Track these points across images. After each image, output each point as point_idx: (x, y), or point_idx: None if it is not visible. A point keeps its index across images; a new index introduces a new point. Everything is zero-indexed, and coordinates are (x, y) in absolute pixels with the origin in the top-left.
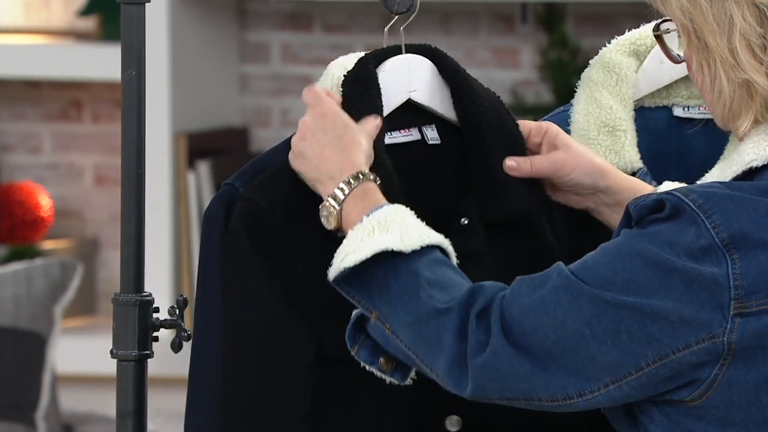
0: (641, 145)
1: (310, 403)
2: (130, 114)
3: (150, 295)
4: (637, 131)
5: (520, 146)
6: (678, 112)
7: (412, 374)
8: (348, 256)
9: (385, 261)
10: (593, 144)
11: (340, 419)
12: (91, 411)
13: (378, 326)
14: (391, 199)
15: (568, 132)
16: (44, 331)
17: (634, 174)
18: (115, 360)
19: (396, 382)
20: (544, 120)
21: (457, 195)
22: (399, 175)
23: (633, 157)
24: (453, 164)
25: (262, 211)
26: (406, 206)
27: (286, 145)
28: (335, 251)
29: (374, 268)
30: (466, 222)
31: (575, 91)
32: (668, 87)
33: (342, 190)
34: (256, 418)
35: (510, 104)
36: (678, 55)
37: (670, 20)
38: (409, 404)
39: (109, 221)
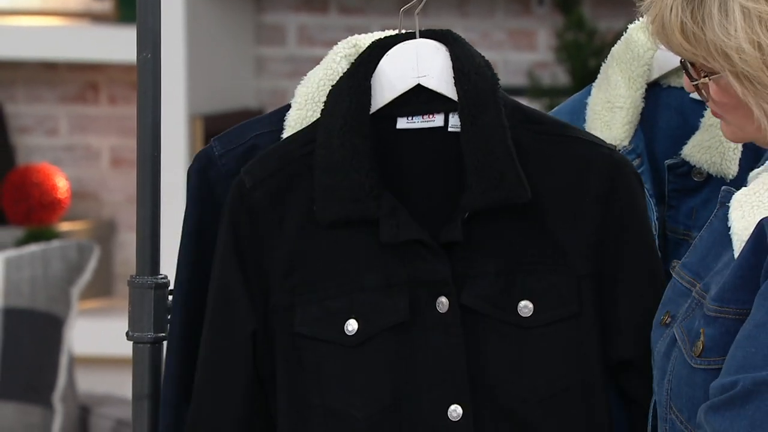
0: (663, 122)
1: (251, 378)
2: (145, 97)
3: (166, 277)
4: (659, 109)
5: (498, 135)
6: (696, 94)
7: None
8: None
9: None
10: (596, 118)
11: (312, 395)
12: (108, 392)
13: None
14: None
15: (585, 106)
16: (61, 313)
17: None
18: (131, 342)
19: None
20: (561, 106)
21: (462, 184)
22: (412, 160)
23: (620, 134)
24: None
25: (245, 189)
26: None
27: (272, 116)
28: (316, 234)
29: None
30: (456, 211)
31: (591, 73)
32: None
33: None
34: (197, 385)
35: (526, 86)
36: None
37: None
38: (385, 384)
39: (126, 203)
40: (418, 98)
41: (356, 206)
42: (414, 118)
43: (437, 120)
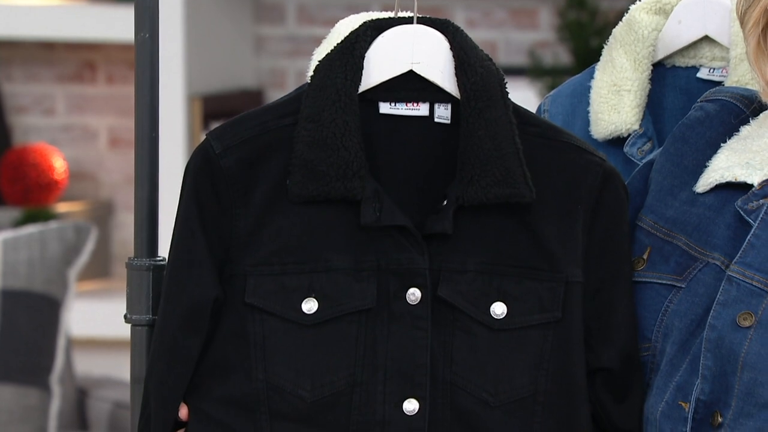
0: (669, 103)
1: (202, 349)
2: (143, 77)
3: (164, 259)
4: (665, 90)
5: (506, 131)
6: (703, 73)
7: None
8: None
9: None
10: (602, 102)
11: (253, 369)
12: (106, 375)
13: None
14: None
15: (588, 89)
16: (58, 295)
17: (628, 136)
18: (129, 324)
19: None
20: (560, 88)
21: (451, 176)
22: (392, 147)
23: (630, 118)
24: (457, 145)
25: (213, 155)
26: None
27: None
28: (284, 209)
29: None
30: (444, 203)
31: (594, 53)
32: (694, 47)
33: None
34: (154, 351)
35: (527, 66)
36: None
37: None
38: (340, 369)
39: (124, 184)
40: (405, 85)
41: (340, 185)
42: (397, 104)
43: (422, 109)
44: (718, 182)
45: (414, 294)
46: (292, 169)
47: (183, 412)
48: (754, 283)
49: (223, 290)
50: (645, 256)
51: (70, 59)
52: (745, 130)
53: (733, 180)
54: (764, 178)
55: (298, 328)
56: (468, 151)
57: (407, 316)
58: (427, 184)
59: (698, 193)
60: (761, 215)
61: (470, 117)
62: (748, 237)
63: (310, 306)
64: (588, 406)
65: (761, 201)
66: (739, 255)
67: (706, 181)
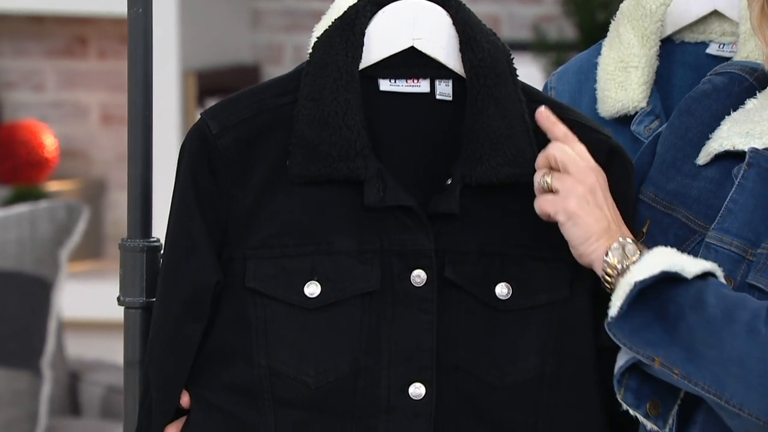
0: (678, 80)
1: (202, 334)
2: (136, 53)
3: (158, 240)
4: (673, 66)
5: (516, 109)
6: (713, 49)
7: (670, 421)
8: (619, 297)
9: (664, 301)
10: (609, 79)
11: (256, 355)
12: (99, 358)
13: (663, 372)
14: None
15: (595, 66)
16: (49, 276)
17: (635, 114)
18: (122, 307)
19: (657, 429)
20: (566, 66)
21: (454, 154)
22: (393, 125)
23: (637, 95)
24: (460, 123)
25: (210, 135)
26: (383, 161)
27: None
28: (283, 190)
29: (653, 311)
30: (449, 183)
31: (599, 27)
32: (704, 22)
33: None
34: (153, 336)
35: (532, 40)
36: None
37: None
38: (344, 354)
39: (116, 162)
40: (405, 61)
41: (343, 165)
42: (397, 81)
43: (423, 86)
44: (717, 152)
45: (419, 276)
46: (292, 149)
47: (185, 399)
48: (732, 249)
49: (223, 274)
50: (644, 230)
51: (60, 33)
52: (750, 102)
53: (731, 149)
54: (762, 147)
55: (301, 312)
56: (476, 129)
57: (412, 299)
58: (429, 163)
59: (700, 166)
60: (739, 179)
61: (479, 94)
62: (726, 202)
63: (312, 289)
64: (598, 387)
65: (742, 166)
66: (716, 221)
67: (706, 152)
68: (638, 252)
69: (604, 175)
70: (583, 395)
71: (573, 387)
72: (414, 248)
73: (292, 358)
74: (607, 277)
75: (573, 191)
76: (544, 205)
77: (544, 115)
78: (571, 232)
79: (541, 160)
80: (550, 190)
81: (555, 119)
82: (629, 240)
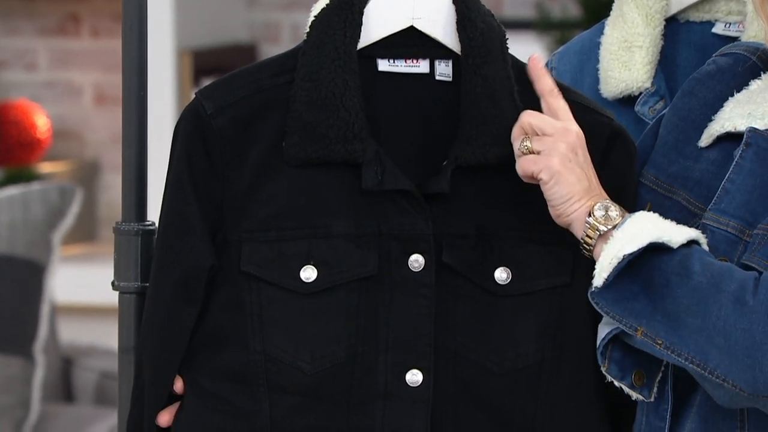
0: (683, 60)
1: (196, 317)
2: (130, 31)
3: (153, 224)
4: (678, 46)
5: (505, 88)
6: (719, 28)
7: (655, 390)
8: (607, 266)
9: (649, 270)
10: (613, 59)
11: (251, 341)
12: (93, 343)
13: (646, 342)
14: (366, 128)
15: (597, 45)
16: (42, 259)
17: (639, 94)
18: (117, 292)
19: (642, 398)
20: (568, 45)
21: (454, 136)
22: (392, 107)
23: (641, 75)
24: (459, 103)
25: (205, 115)
26: (380, 142)
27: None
28: (279, 172)
29: (637, 280)
30: (445, 164)
31: (604, 5)
32: (709, 1)
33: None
34: (146, 322)
35: (534, 19)
36: None
37: None
38: (340, 340)
39: (110, 143)
40: (404, 41)
41: (340, 147)
42: (396, 61)
43: (422, 66)
44: (718, 133)
45: (417, 260)
46: (289, 130)
47: (178, 385)
48: (728, 230)
49: (217, 258)
50: None
51: (53, 11)
52: (755, 83)
53: (733, 130)
54: (763, 127)
55: (297, 297)
56: (467, 109)
57: (410, 284)
58: (429, 145)
59: (702, 148)
60: (737, 159)
61: (467, 74)
62: (723, 182)
63: (308, 274)
64: (598, 375)
65: (742, 146)
66: (713, 201)
67: (708, 134)
68: (620, 215)
69: (582, 134)
70: (583, 383)
71: (573, 375)
72: (412, 232)
73: (287, 343)
74: (588, 239)
75: (555, 149)
76: (525, 164)
77: (533, 62)
78: (553, 191)
79: (516, 131)
80: (531, 154)
81: (544, 70)
82: (610, 202)
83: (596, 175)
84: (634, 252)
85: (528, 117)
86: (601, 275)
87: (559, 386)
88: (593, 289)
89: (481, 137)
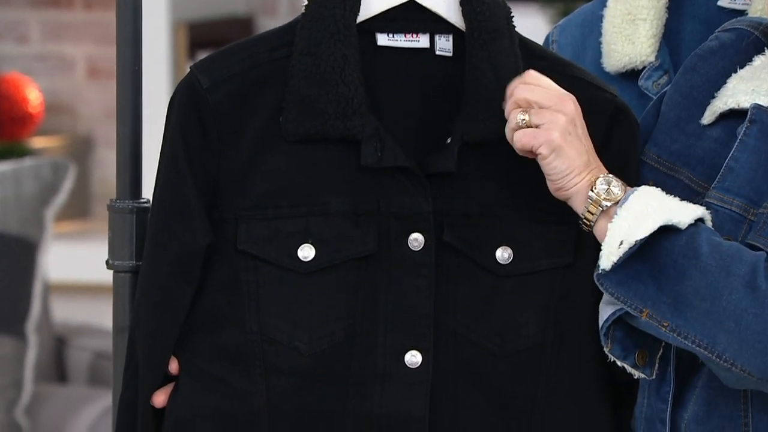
0: (687, 34)
1: (192, 294)
2: (125, 4)
3: (148, 201)
4: (683, 19)
5: (511, 65)
6: (724, 1)
7: (656, 367)
8: (616, 250)
9: (656, 251)
10: (616, 32)
11: (250, 318)
12: (86, 322)
13: (651, 324)
14: (364, 103)
15: (600, 18)
16: (34, 237)
17: (642, 68)
18: (111, 270)
19: (645, 376)
20: (570, 18)
21: (455, 112)
22: (392, 82)
23: (645, 49)
24: (460, 79)
25: (200, 89)
26: (380, 119)
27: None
28: (277, 148)
29: (644, 261)
30: (449, 141)
31: None
32: None
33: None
34: (140, 301)
35: None
36: None
37: None
38: (339, 320)
39: (104, 117)
40: (404, 15)
41: (339, 123)
42: (396, 35)
43: (422, 41)
44: (721, 110)
45: (417, 239)
46: (287, 105)
47: (173, 365)
48: (733, 209)
49: (214, 236)
50: None
51: None
52: (758, 59)
53: (736, 107)
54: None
55: (294, 276)
56: (472, 85)
57: (409, 263)
58: (429, 121)
59: (705, 126)
60: (741, 136)
61: (473, 49)
62: (726, 160)
63: (306, 252)
64: (600, 359)
65: (746, 123)
66: (717, 179)
67: (711, 111)
68: (623, 191)
69: (577, 103)
70: (584, 366)
71: (574, 357)
72: (412, 211)
73: (285, 323)
74: (589, 214)
75: (556, 122)
76: (525, 138)
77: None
78: (553, 166)
79: (509, 106)
80: (528, 127)
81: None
82: (612, 176)
83: (591, 144)
84: (645, 237)
85: (521, 91)
86: (609, 258)
87: (560, 368)
88: (600, 271)
89: (486, 113)
